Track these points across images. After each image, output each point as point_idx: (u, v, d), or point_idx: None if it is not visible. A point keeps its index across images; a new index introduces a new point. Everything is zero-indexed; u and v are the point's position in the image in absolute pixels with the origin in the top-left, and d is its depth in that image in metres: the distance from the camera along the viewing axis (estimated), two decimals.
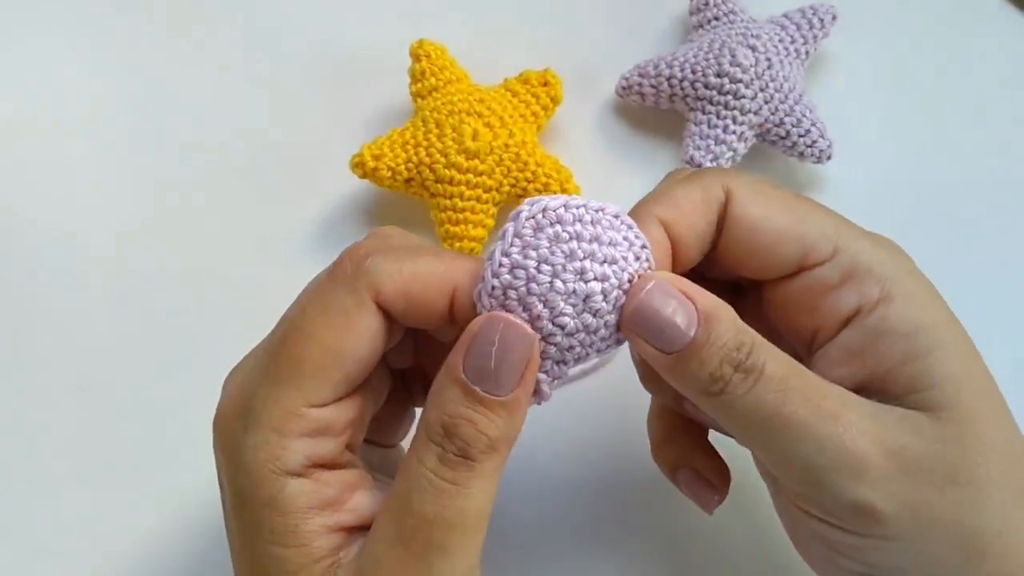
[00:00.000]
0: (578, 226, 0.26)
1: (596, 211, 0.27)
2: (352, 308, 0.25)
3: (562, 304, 0.26)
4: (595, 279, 0.26)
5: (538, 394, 0.28)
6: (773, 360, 0.26)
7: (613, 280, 0.26)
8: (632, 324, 0.26)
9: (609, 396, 0.40)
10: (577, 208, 0.26)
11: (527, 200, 0.26)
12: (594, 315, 0.26)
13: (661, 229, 0.28)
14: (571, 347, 0.27)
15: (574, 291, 0.26)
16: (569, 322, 0.26)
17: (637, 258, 0.27)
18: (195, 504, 0.39)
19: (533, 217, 0.26)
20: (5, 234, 0.44)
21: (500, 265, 0.26)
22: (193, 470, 0.37)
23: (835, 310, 0.28)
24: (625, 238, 0.27)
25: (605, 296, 0.26)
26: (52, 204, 0.45)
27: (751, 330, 0.26)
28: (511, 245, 0.26)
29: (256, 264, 0.43)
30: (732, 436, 0.28)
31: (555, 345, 0.26)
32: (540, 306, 0.26)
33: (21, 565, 0.39)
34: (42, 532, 0.39)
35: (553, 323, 0.26)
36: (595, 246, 0.26)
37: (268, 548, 0.25)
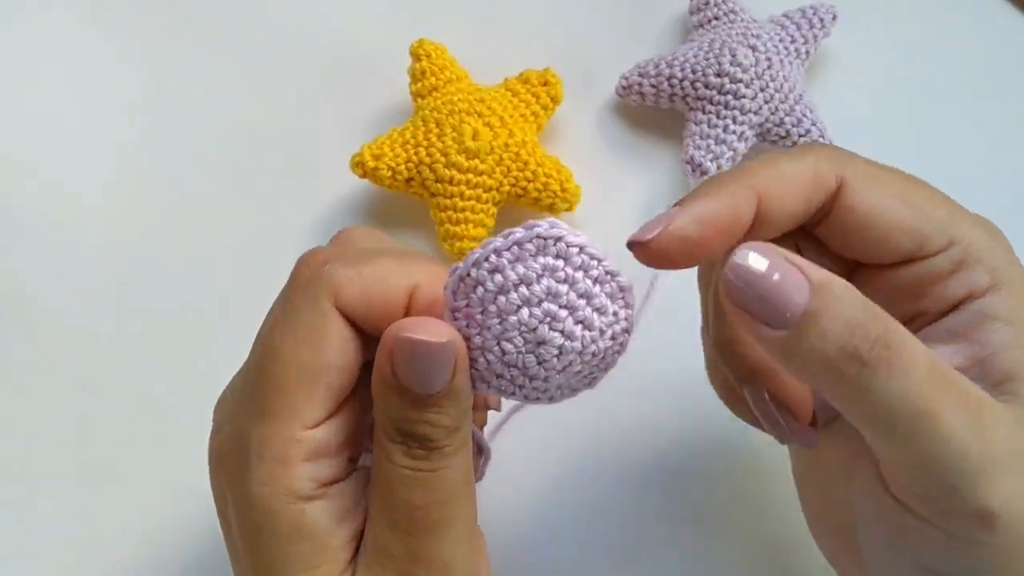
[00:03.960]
0: (580, 274, 0.24)
1: (608, 273, 0.25)
2: (317, 319, 0.25)
3: (514, 333, 0.24)
4: (560, 333, 0.24)
5: None
6: (912, 342, 0.24)
7: (577, 344, 0.24)
8: (730, 292, 0.23)
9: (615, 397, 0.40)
10: (591, 258, 0.24)
11: (549, 220, 0.24)
12: (539, 363, 0.25)
13: (752, 200, 0.26)
14: (500, 375, 0.25)
15: (534, 329, 0.24)
16: (511, 352, 0.24)
17: (613, 338, 0.25)
18: (195, 503, 0.39)
19: (544, 238, 0.24)
20: (3, 233, 0.44)
21: (486, 259, 0.24)
22: (192, 468, 0.37)
23: (943, 297, 0.27)
24: (615, 313, 0.25)
25: (560, 353, 0.24)
26: (51, 202, 0.44)
27: (875, 305, 0.24)
28: (507, 249, 0.24)
29: (256, 264, 0.43)
30: (851, 421, 0.25)
31: (488, 362, 0.25)
32: (495, 320, 0.24)
33: (20, 564, 0.39)
34: (41, 531, 0.39)
35: (497, 343, 0.24)
36: (582, 302, 0.24)
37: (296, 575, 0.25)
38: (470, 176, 0.41)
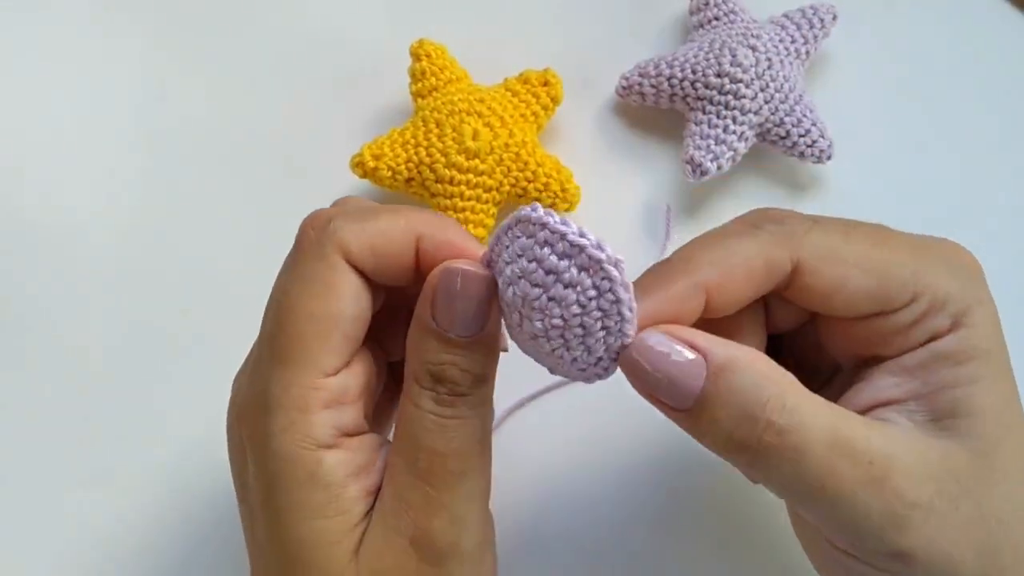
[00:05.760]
0: (546, 251, 0.25)
1: (575, 246, 0.24)
2: (327, 272, 0.26)
3: (517, 302, 0.25)
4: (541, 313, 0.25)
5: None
6: (812, 417, 0.24)
7: (557, 320, 0.25)
8: (635, 372, 0.25)
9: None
10: (553, 233, 0.24)
11: (532, 204, 0.25)
12: (541, 331, 0.25)
13: (699, 297, 0.26)
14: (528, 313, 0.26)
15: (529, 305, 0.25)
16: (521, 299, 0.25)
17: (600, 309, 0.25)
18: (195, 503, 0.39)
19: (520, 221, 0.25)
20: (2, 234, 0.44)
21: (498, 237, 0.26)
22: (192, 469, 0.37)
23: (904, 345, 0.27)
24: (596, 287, 0.25)
25: (548, 329, 0.25)
26: (51, 203, 0.44)
27: (783, 377, 0.25)
28: (505, 233, 0.26)
29: (256, 264, 0.43)
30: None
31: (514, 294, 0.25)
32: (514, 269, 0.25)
33: (21, 565, 0.39)
34: (41, 532, 0.39)
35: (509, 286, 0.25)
36: (551, 279, 0.25)
37: (309, 524, 0.25)
38: (470, 176, 0.41)
